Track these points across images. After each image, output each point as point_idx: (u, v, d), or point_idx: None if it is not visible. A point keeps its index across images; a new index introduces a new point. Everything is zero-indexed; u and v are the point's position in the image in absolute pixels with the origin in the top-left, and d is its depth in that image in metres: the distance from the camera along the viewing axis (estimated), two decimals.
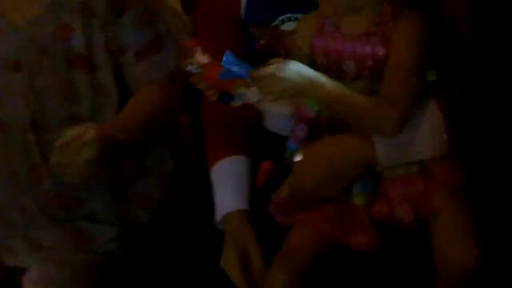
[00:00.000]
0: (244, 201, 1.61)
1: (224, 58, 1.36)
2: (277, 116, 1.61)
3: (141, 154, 1.78)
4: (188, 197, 1.69)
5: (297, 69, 1.35)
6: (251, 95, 1.41)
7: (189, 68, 1.44)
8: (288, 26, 1.62)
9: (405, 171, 1.43)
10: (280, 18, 1.63)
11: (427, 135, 1.43)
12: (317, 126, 1.48)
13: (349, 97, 1.39)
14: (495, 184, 1.49)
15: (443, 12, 1.45)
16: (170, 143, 1.83)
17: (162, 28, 1.71)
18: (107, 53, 1.68)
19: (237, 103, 1.44)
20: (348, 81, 1.43)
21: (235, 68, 1.36)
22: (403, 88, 1.38)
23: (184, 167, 1.83)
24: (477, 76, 1.49)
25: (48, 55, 1.69)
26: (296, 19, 1.61)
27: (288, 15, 1.62)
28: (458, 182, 1.42)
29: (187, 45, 1.46)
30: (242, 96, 1.43)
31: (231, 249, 1.56)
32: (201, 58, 1.43)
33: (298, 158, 1.46)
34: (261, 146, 1.68)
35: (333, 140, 1.45)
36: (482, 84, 1.50)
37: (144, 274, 1.63)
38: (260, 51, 1.66)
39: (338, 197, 1.45)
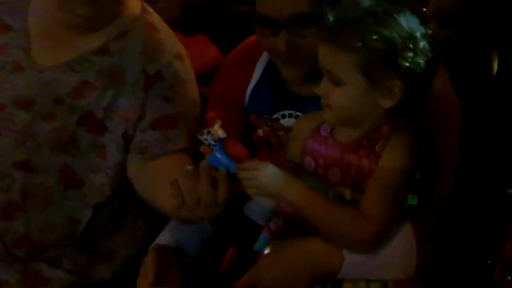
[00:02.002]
0: (176, 243, 1.68)
1: (216, 148, 1.46)
2: (259, 205, 1.66)
3: (117, 215, 1.81)
4: None
5: (276, 174, 1.44)
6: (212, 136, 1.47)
7: (205, 137, 1.48)
8: (286, 122, 1.71)
9: (366, 286, 1.48)
10: (281, 112, 1.72)
11: (397, 257, 1.49)
12: (292, 222, 1.54)
13: (326, 209, 1.45)
14: None
15: (434, 143, 1.52)
16: (144, 212, 1.86)
17: (182, 107, 1.76)
18: (122, 118, 1.74)
19: (201, 138, 1.49)
20: (330, 187, 1.50)
21: (223, 159, 1.45)
22: (383, 208, 1.45)
23: (155, 235, 1.87)
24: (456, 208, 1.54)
25: (62, 106, 1.74)
26: (296, 116, 1.70)
27: (289, 111, 1.71)
28: None
29: (208, 116, 1.50)
30: (208, 135, 1.48)
31: (152, 262, 1.62)
32: (219, 131, 1.48)
33: (266, 251, 1.52)
34: (236, 232, 1.73)
35: (303, 242, 1.51)
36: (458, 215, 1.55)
37: None
38: (256, 141, 1.75)
39: None
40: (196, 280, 1.70)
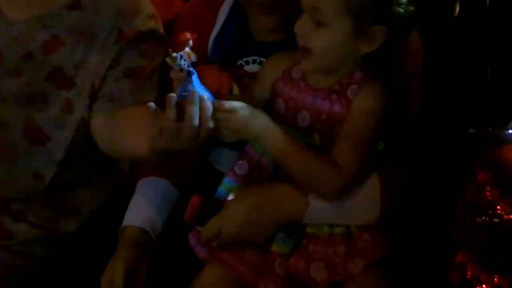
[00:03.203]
0: (146, 221, 1.67)
1: (193, 78, 1.40)
2: (225, 153, 1.67)
3: (82, 171, 1.81)
4: (117, 216, 1.74)
5: (258, 116, 1.43)
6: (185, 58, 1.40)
7: (178, 62, 1.40)
8: (250, 68, 1.70)
9: (330, 231, 1.50)
10: (245, 59, 1.71)
11: (362, 204, 1.51)
12: (258, 167, 1.55)
13: (300, 155, 1.45)
14: (416, 259, 1.54)
15: (398, 86, 1.53)
16: (108, 166, 1.87)
17: (157, 61, 1.75)
18: (90, 73, 1.72)
19: (173, 64, 1.41)
20: (299, 131, 1.50)
21: (201, 91, 1.40)
22: (354, 157, 1.46)
23: (120, 188, 1.88)
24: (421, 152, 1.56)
25: (31, 61, 1.72)
26: (260, 62, 1.69)
27: (253, 57, 1.70)
28: (378, 253, 1.48)
29: (182, 37, 1.43)
30: (181, 60, 1.41)
31: (120, 263, 1.62)
32: (192, 54, 1.42)
33: (230, 197, 1.52)
34: (200, 180, 1.73)
35: (269, 187, 1.52)
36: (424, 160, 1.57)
37: (60, 281, 1.71)
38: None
39: (260, 242, 1.50)
40: (163, 230, 1.70)
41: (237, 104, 1.43)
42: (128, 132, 1.65)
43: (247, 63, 1.71)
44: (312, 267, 1.48)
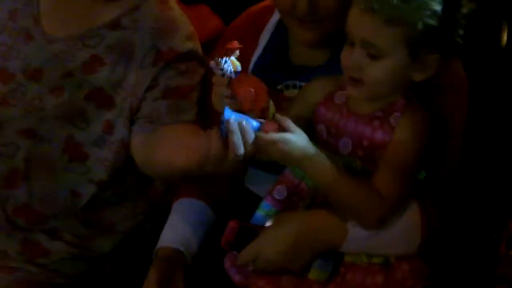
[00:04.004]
0: (180, 241, 1.67)
1: (225, 113, 1.40)
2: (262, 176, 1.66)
3: (119, 191, 1.81)
4: (152, 236, 1.74)
5: (301, 145, 1.42)
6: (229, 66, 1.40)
7: (223, 66, 1.38)
8: (290, 93, 1.69)
9: (368, 260, 1.48)
10: (285, 83, 1.70)
11: (401, 234, 1.48)
12: (297, 192, 1.53)
13: (342, 184, 1.43)
14: None
15: (442, 115, 1.51)
16: (145, 185, 1.87)
17: (195, 81, 1.76)
18: (129, 93, 1.73)
19: (215, 69, 1.41)
20: (340, 157, 1.48)
21: (239, 118, 1.40)
22: (394, 186, 1.44)
23: (156, 209, 1.88)
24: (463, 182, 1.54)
25: (70, 80, 1.74)
26: (300, 87, 1.68)
27: (293, 81, 1.69)
28: (418, 285, 1.46)
29: (230, 44, 1.40)
30: (225, 64, 1.41)
31: (154, 282, 1.62)
32: (236, 62, 1.41)
33: (268, 223, 1.50)
34: (236, 202, 1.73)
35: (308, 215, 1.51)
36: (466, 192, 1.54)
37: None
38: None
39: (297, 269, 1.49)
40: (198, 254, 1.70)
41: (276, 136, 1.41)
42: (166, 146, 1.66)
43: (287, 87, 1.70)
44: None
